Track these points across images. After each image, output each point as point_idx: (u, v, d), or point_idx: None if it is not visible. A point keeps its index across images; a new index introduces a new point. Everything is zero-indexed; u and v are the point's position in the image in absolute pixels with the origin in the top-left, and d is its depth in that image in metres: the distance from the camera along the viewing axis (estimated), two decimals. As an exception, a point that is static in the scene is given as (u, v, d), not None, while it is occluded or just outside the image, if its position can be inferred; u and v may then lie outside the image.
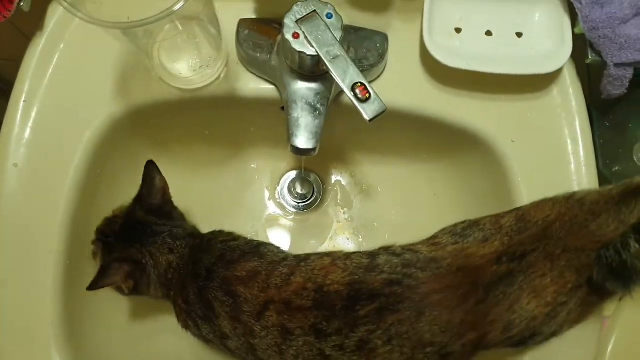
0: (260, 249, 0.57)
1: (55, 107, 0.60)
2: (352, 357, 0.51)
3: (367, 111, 0.49)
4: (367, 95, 0.49)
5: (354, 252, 0.55)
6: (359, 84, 0.50)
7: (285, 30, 0.51)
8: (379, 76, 0.61)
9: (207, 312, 0.56)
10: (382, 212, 0.73)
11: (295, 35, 0.51)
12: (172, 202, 0.64)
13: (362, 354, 0.50)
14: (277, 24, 0.59)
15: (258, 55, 0.58)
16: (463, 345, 0.50)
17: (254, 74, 0.61)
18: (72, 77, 0.61)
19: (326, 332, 0.50)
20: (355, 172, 0.74)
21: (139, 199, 0.62)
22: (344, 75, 0.50)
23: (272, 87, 0.61)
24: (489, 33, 0.60)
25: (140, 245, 0.60)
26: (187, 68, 0.60)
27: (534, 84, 0.62)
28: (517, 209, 0.55)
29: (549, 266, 0.51)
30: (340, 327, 0.50)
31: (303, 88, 0.55)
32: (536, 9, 0.60)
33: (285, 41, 0.51)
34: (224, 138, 0.71)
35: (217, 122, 0.68)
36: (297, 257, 0.56)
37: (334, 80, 0.55)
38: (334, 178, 0.75)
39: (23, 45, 0.62)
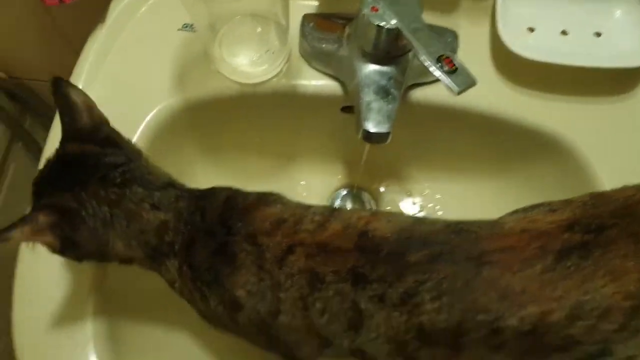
0: (280, 195, 0.50)
1: (111, 99, 0.56)
2: (392, 313, 0.42)
3: (455, 83, 0.45)
4: (454, 67, 0.46)
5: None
6: (445, 56, 0.46)
7: (363, 5, 0.49)
8: (447, 75, 0.58)
9: (221, 271, 0.46)
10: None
11: (374, 9, 0.48)
12: (110, 125, 0.50)
13: (405, 310, 0.42)
14: (340, 19, 0.57)
15: (324, 46, 0.56)
16: (521, 319, 0.41)
17: (317, 69, 0.58)
18: (129, 69, 0.59)
19: (367, 278, 0.42)
20: (412, 191, 0.69)
21: (63, 132, 0.48)
22: (428, 48, 0.47)
23: (335, 83, 0.58)
24: (564, 32, 0.58)
25: (79, 186, 0.45)
26: (249, 61, 0.57)
27: (619, 83, 0.58)
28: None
29: (632, 248, 0.42)
30: (386, 273, 0.42)
31: (376, 71, 0.52)
32: (616, 7, 0.58)
33: (362, 17, 0.49)
34: (275, 147, 0.67)
35: (271, 126, 0.64)
36: (326, 207, 0.49)
37: (408, 64, 0.53)
38: (388, 197, 0.69)
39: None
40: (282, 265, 0.44)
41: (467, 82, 0.46)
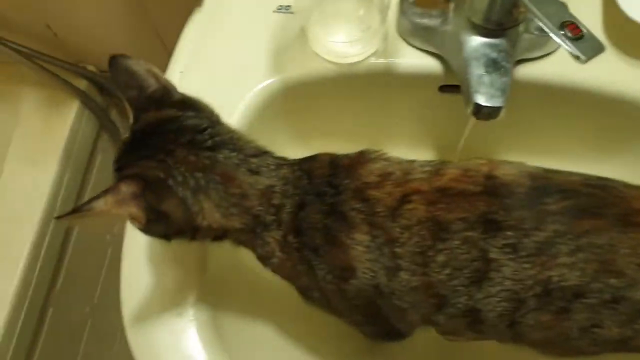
0: (380, 151, 0.47)
1: (209, 82, 0.57)
2: (523, 265, 0.39)
3: (581, 51, 0.42)
4: (580, 33, 0.43)
5: None
6: (568, 22, 0.43)
7: (475, -26, 0.47)
8: (555, 49, 0.55)
9: (333, 233, 0.43)
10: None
11: (487, -22, 0.46)
12: (177, 91, 0.46)
13: (538, 262, 0.39)
14: (442, -5, 0.55)
15: (425, 21, 0.54)
16: None
17: (415, 47, 0.56)
18: (226, 53, 0.59)
19: (500, 225, 0.39)
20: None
21: (133, 109, 0.45)
22: (549, 14, 0.44)
23: (435, 62, 0.56)
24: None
25: (164, 153, 0.41)
26: (347, 40, 0.56)
27: None
28: None
29: None
30: (522, 220, 0.39)
31: (485, 44, 0.49)
32: None
33: (475, -14, 0.47)
34: (366, 133, 0.65)
35: (363, 110, 0.62)
36: (431, 160, 0.46)
37: (519, 36, 0.50)
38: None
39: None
40: (397, 217, 0.41)
41: (595, 49, 0.42)
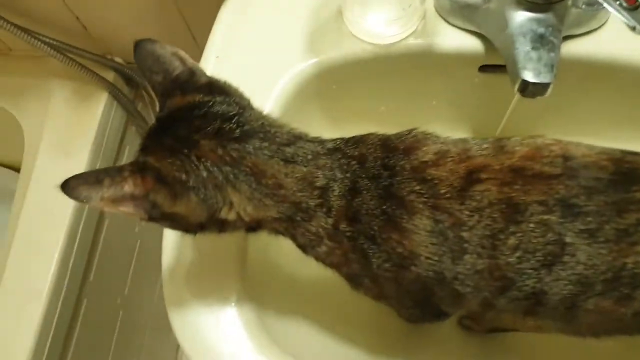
0: (430, 132, 0.45)
1: (245, 63, 0.57)
2: (599, 251, 0.38)
3: (638, 21, 0.41)
4: (636, 2, 0.41)
5: None
6: (623, -8, 0.42)
7: (522, -54, 0.45)
8: (605, 22, 0.53)
9: (392, 219, 0.40)
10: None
11: (536, -51, 0.45)
12: (205, 74, 0.44)
13: (615, 248, 0.38)
14: (483, -29, 0.54)
15: (467, -1, 0.53)
16: None
17: (455, 26, 0.55)
18: (262, 34, 0.58)
19: (582, 209, 0.38)
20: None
21: (159, 96, 0.43)
22: (603, -16, 0.42)
23: (475, 41, 0.54)
24: None
25: (188, 146, 0.39)
26: (385, 21, 0.55)
27: None
28: None
29: None
30: (605, 204, 0.38)
31: (532, 19, 0.48)
32: None
33: (522, -42, 0.45)
34: (400, 117, 0.63)
35: (399, 93, 0.61)
36: (485, 138, 0.44)
37: (567, 10, 0.48)
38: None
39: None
40: (465, 199, 0.40)
41: (652, 19, 0.41)
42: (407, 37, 0.55)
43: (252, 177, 0.40)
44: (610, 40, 0.53)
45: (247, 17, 0.59)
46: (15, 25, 0.73)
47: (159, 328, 1.06)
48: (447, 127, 0.64)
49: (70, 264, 0.82)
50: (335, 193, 0.42)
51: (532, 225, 0.39)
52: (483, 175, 0.40)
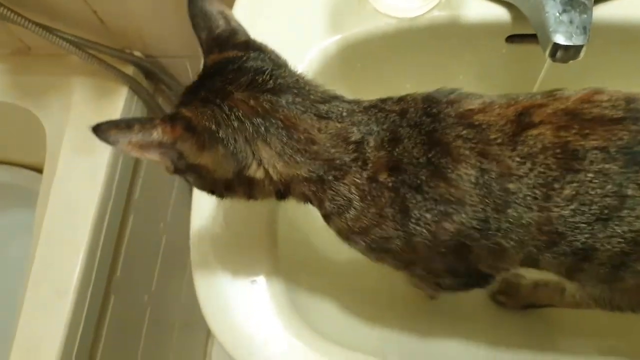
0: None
1: (268, 42, 0.56)
2: None
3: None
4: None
5: None
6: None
7: None
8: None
9: (438, 165, 0.39)
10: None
11: None
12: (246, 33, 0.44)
13: None
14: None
15: (492, -34, 0.52)
16: None
17: (481, -4, 0.54)
18: (284, 12, 0.58)
19: None
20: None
21: (203, 52, 0.44)
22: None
23: (501, 10, 0.53)
24: None
25: (221, 96, 0.39)
26: (406, -7, 0.54)
27: None
28: None
29: None
30: None
31: (562, -19, 0.47)
32: None
33: None
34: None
35: (424, 68, 0.60)
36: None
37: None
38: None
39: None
40: (517, 145, 0.37)
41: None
42: (431, 9, 0.54)
43: (284, 131, 0.40)
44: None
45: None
46: (35, 23, 0.74)
47: (188, 325, 1.05)
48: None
49: (97, 261, 0.82)
50: (372, 145, 0.41)
51: (590, 174, 0.37)
52: (536, 119, 0.38)
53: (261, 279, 0.50)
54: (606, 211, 0.37)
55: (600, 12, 0.51)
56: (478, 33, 0.55)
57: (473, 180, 0.39)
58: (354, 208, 0.42)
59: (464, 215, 0.40)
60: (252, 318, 0.49)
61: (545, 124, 0.38)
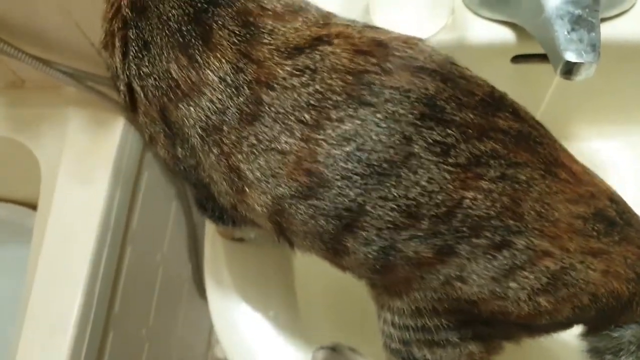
0: None
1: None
2: (444, 174, 0.34)
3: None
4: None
5: None
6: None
7: None
8: (632, 6, 0.53)
9: (187, 42, 0.35)
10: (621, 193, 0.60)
11: None
12: None
13: (460, 176, 0.34)
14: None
15: (497, -12, 0.53)
16: (530, 245, 0.35)
17: (485, 18, 0.55)
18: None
19: (444, 117, 0.34)
20: (583, 149, 0.63)
21: None
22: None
23: (507, 30, 0.54)
24: None
25: None
26: (413, 17, 0.54)
27: None
28: None
29: None
30: (469, 123, 0.35)
31: (568, 1, 0.47)
32: None
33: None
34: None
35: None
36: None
37: (603, -9, 0.48)
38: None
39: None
40: (297, 56, 0.33)
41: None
42: (437, 32, 0.55)
43: None
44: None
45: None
46: (32, 56, 0.73)
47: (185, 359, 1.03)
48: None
49: (96, 297, 0.79)
50: None
51: (379, 115, 0.32)
52: (335, 40, 0.33)
53: (279, 313, 0.49)
54: (385, 165, 0.33)
55: (602, 31, 0.53)
56: (484, 54, 0.56)
57: (222, 75, 0.34)
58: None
59: (199, 107, 0.35)
60: (272, 351, 0.48)
61: (344, 45, 0.33)
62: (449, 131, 0.33)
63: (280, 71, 0.33)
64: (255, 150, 0.34)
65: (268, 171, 0.34)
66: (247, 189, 0.35)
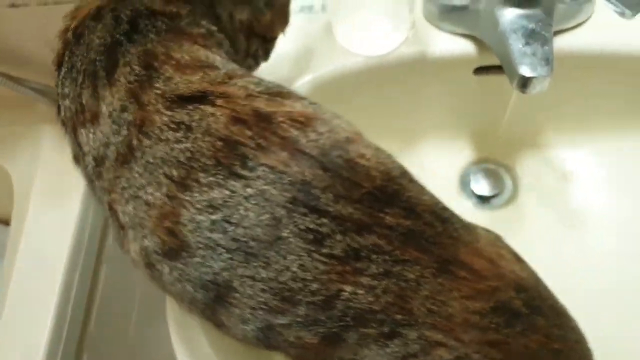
0: None
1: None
2: (318, 264, 0.32)
3: (626, 5, 0.42)
4: (624, -15, 0.42)
5: None
6: (610, -23, 0.43)
7: (506, -58, 0.46)
8: (591, 15, 0.54)
9: (95, 72, 0.36)
10: (594, 202, 0.61)
11: (519, -55, 0.46)
12: None
13: (338, 268, 0.32)
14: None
15: (455, 2, 0.53)
16: (421, 341, 0.34)
17: (446, 31, 0.55)
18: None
19: (321, 206, 0.32)
20: (550, 158, 0.64)
21: None
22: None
23: (467, 43, 0.55)
24: None
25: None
26: (375, 32, 0.55)
27: None
28: None
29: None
30: (349, 215, 0.33)
31: (521, 15, 0.48)
32: None
33: (507, -44, 0.46)
34: (399, 129, 0.63)
35: (395, 102, 0.61)
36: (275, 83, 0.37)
37: (554, 5, 0.49)
38: (524, 167, 0.64)
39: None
40: (179, 109, 0.33)
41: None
42: (398, 46, 0.55)
43: None
44: (599, 31, 0.53)
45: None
46: (2, 74, 0.73)
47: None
48: (449, 133, 0.65)
49: (68, 316, 0.78)
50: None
51: (250, 190, 0.31)
52: (218, 101, 0.33)
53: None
54: (252, 243, 0.31)
55: (559, 43, 0.53)
56: (446, 66, 0.56)
57: (111, 110, 0.35)
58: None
59: (95, 136, 0.35)
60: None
61: (224, 109, 0.32)
62: (324, 220, 0.31)
63: (159, 120, 0.33)
64: (126, 194, 0.34)
65: (136, 219, 0.34)
66: (122, 231, 0.35)
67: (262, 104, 0.33)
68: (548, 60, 0.46)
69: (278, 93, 0.34)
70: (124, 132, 0.33)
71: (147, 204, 0.32)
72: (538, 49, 0.47)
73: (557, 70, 0.54)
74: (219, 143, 0.31)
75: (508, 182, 0.63)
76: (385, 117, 0.62)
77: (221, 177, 0.31)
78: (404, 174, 0.35)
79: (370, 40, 0.55)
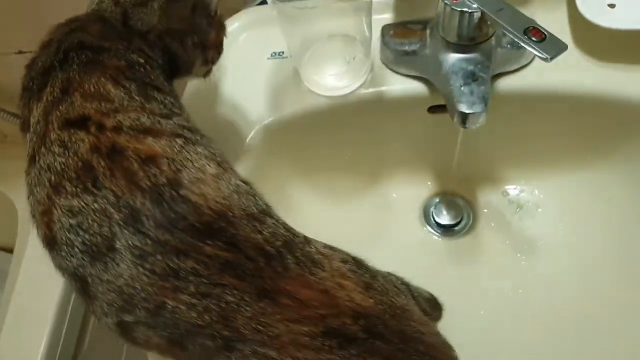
0: None
1: (213, 124, 0.60)
2: (143, 277, 0.38)
3: (546, 51, 0.46)
4: (542, 35, 0.47)
5: None
6: (531, 28, 0.47)
7: (443, -3, 0.52)
8: (530, 61, 0.59)
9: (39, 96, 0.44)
10: (545, 231, 0.65)
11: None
12: None
13: (160, 283, 0.38)
14: (418, 24, 0.60)
15: (406, 48, 0.58)
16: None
17: (400, 73, 0.61)
18: (228, 97, 0.63)
19: (143, 229, 0.38)
20: (507, 191, 0.68)
21: None
22: (513, 23, 0.48)
23: (420, 84, 0.60)
24: (645, 3, 0.58)
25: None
26: (336, 75, 0.61)
27: None
28: None
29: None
30: (168, 241, 0.38)
31: (462, 59, 0.53)
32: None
33: (444, 8, 0.51)
34: (364, 163, 0.68)
35: (359, 139, 0.66)
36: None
37: (492, 50, 0.54)
38: (482, 199, 0.68)
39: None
40: (60, 133, 0.40)
41: (558, 48, 0.46)
42: (358, 87, 0.61)
43: None
44: (541, 73, 0.58)
45: (210, 84, 0.63)
46: (11, 113, 0.80)
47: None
48: (409, 168, 0.70)
49: (62, 336, 0.82)
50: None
51: (96, 205, 0.38)
52: (92, 128, 0.40)
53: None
54: (95, 249, 0.38)
55: (504, 84, 0.58)
56: (402, 106, 0.61)
57: (34, 120, 0.43)
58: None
59: (27, 139, 0.44)
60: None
61: (92, 137, 0.40)
62: (148, 241, 0.37)
63: (52, 136, 0.41)
64: (31, 187, 0.42)
65: (33, 211, 0.42)
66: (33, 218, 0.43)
67: (122, 139, 0.40)
68: (484, 99, 0.51)
69: (148, 130, 0.41)
70: (34, 140, 0.42)
71: (37, 201, 0.41)
72: (475, 89, 0.51)
73: (503, 110, 0.59)
74: (80, 163, 0.39)
75: (467, 213, 0.67)
76: (350, 153, 0.67)
77: (79, 189, 0.39)
78: (248, 214, 0.40)
79: (332, 83, 0.60)
